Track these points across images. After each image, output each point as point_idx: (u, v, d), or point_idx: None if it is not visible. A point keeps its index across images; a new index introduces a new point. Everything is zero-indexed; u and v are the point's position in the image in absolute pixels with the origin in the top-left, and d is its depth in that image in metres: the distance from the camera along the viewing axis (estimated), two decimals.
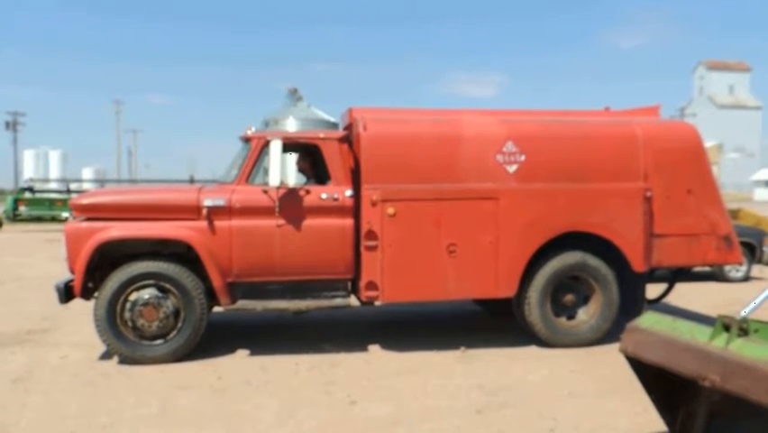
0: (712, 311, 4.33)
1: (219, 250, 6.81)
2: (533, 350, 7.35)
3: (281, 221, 6.90)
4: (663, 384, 4.04)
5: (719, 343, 3.48)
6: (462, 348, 7.32)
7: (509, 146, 7.26)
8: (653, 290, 8.23)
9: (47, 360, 6.96)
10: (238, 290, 6.99)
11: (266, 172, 7.03)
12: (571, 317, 7.50)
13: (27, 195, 29.48)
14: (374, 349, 7.37)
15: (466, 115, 7.68)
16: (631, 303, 7.73)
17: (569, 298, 7.47)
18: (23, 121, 67.03)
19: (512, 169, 7.26)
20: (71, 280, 6.72)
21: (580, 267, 7.37)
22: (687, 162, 7.63)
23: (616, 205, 7.34)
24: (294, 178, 6.84)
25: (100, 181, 56.36)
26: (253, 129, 7.18)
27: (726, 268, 12.82)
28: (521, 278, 7.20)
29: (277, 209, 6.86)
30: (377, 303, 7.28)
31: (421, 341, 7.63)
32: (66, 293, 6.67)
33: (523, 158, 7.28)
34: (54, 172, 69.06)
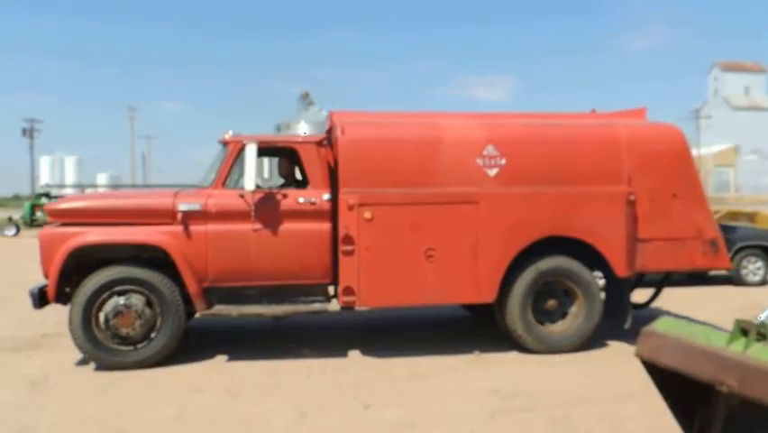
0: (729, 315, 4.23)
1: (195, 255, 6.75)
2: (549, 356, 7.22)
3: (258, 225, 6.83)
4: (680, 389, 3.95)
5: (737, 348, 3.39)
6: (476, 352, 7.27)
7: (490, 150, 7.16)
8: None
9: (63, 364, 6.96)
10: (214, 295, 6.93)
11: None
12: (554, 322, 7.39)
13: (44, 200, 29.86)
14: (386, 353, 7.30)
15: (447, 119, 7.57)
16: (617, 308, 7.64)
17: (551, 303, 7.34)
18: (40, 128, 67.47)
19: (493, 172, 7.16)
20: (46, 286, 6.69)
21: (561, 272, 7.24)
22: (672, 166, 7.49)
23: (598, 209, 7.22)
24: (253, 183, 6.75)
25: (115, 186, 56.83)
26: (231, 133, 7.12)
27: (743, 272, 12.72)
28: (501, 283, 7.11)
29: (253, 214, 6.80)
30: (357, 308, 7.21)
31: (433, 345, 7.56)
32: (40, 298, 6.65)
33: (504, 161, 7.17)
34: (70, 178, 69.64)
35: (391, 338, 8.05)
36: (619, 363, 6.72)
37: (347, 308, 7.13)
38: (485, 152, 7.15)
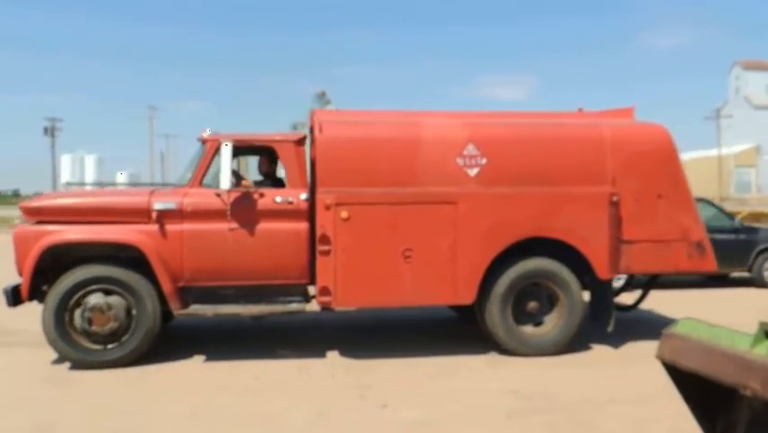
0: (751, 318, 4.14)
1: (170, 254, 6.69)
2: (568, 357, 7.16)
3: (234, 224, 6.76)
4: (702, 392, 3.86)
5: (761, 350, 3.30)
6: (492, 353, 7.18)
7: (470, 149, 7.05)
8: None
9: None
10: (191, 294, 6.86)
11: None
12: (536, 324, 7.27)
13: None
14: (405, 353, 7.23)
15: (428, 118, 7.47)
16: (601, 310, 7.52)
17: (532, 305, 7.21)
18: (61, 126, 67.93)
19: (473, 172, 7.05)
20: (20, 284, 6.66)
21: (542, 274, 7.12)
22: (657, 166, 7.34)
23: (580, 210, 7.08)
24: (228, 181, 6.71)
25: (134, 185, 57.39)
26: (209, 131, 7.07)
27: (766, 274, 12.49)
28: (480, 284, 7.00)
29: (229, 213, 6.74)
30: (336, 309, 7.15)
31: (452, 345, 7.47)
32: (14, 297, 6.63)
33: (484, 161, 7.06)
34: (90, 176, 70.31)
35: (409, 338, 8.04)
36: (641, 365, 6.51)
37: (326, 308, 7.08)
38: (465, 152, 7.04)
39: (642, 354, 6.99)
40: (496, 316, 7.03)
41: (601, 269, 7.12)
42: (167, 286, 6.66)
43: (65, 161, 76.46)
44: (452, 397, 5.80)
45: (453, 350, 7.30)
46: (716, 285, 12.54)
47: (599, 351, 7.44)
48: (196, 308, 6.82)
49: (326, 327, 8.65)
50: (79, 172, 75.23)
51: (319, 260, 6.80)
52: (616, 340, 7.56)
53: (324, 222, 6.77)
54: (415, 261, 6.85)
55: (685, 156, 27.60)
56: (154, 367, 6.71)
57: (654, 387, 5.46)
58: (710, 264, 7.51)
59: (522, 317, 7.20)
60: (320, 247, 6.76)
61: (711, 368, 3.49)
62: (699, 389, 3.82)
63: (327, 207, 6.74)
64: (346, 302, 6.94)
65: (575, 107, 8.22)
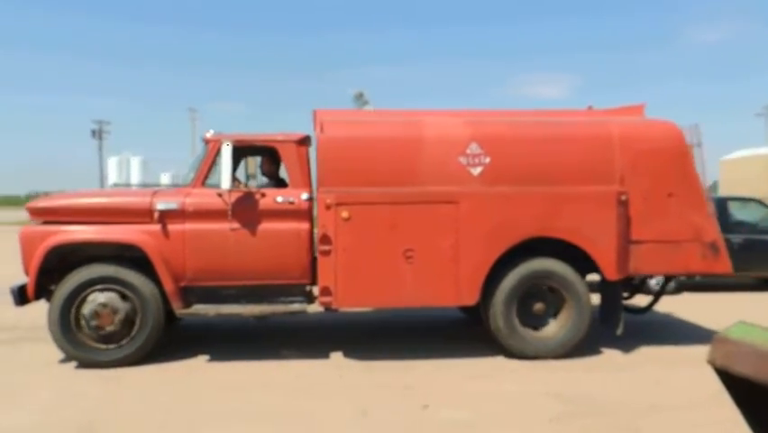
0: None
1: (172, 254, 6.72)
2: (605, 360, 7.06)
3: (235, 225, 6.76)
4: (756, 398, 3.76)
5: None
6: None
7: (473, 148, 6.94)
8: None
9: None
10: (193, 294, 6.88)
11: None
12: (542, 326, 7.13)
13: None
14: (445, 354, 7.20)
15: (431, 117, 7.36)
16: (610, 313, 7.35)
17: (538, 307, 7.07)
18: (108, 129, 69.38)
19: (476, 171, 6.93)
20: (27, 284, 6.71)
21: (547, 275, 6.96)
22: (668, 164, 7.13)
23: (586, 209, 6.92)
24: (229, 182, 6.71)
25: (177, 186, 58.38)
26: (212, 132, 7.08)
27: None
28: (483, 285, 6.87)
29: (230, 213, 6.74)
30: (339, 310, 7.11)
31: (492, 347, 7.28)
32: (20, 296, 6.72)
33: (488, 160, 6.94)
34: (135, 178, 71.20)
35: (448, 340, 7.94)
36: (690, 369, 6.37)
37: (330, 309, 7.04)
38: (468, 151, 6.93)
39: (691, 358, 6.82)
40: (500, 317, 6.91)
41: (609, 270, 6.95)
42: (168, 286, 6.68)
43: (111, 163, 77.59)
44: (493, 398, 5.75)
45: (485, 351, 7.23)
46: (762, 288, 12.15)
47: (636, 354, 7.27)
48: (198, 308, 6.83)
49: (363, 330, 8.59)
50: (125, 174, 76.26)
51: (320, 260, 6.75)
52: (651, 343, 7.47)
53: (324, 222, 6.72)
54: (416, 261, 6.76)
55: (735, 154, 26.87)
56: (200, 364, 6.85)
57: (701, 392, 5.46)
58: (724, 266, 7.26)
59: (528, 318, 7.07)
60: (321, 247, 6.72)
61: (765, 373, 3.37)
62: (752, 395, 3.69)
63: (328, 207, 6.70)
64: (347, 303, 6.88)
65: (616, 105, 7.96)
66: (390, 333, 8.39)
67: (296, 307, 6.91)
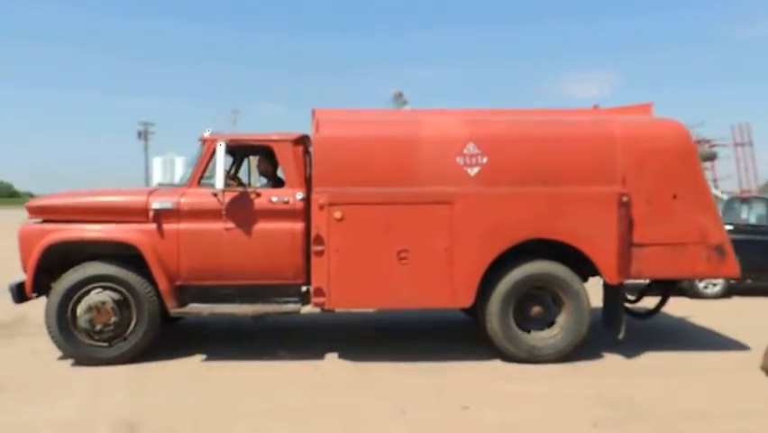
0: None
1: (167, 253, 6.72)
2: (647, 364, 6.90)
3: (230, 224, 6.74)
4: None
5: None
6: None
7: (471, 148, 6.81)
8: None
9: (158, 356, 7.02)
10: (188, 293, 6.89)
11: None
12: (540, 330, 6.96)
13: None
14: (478, 356, 7.09)
15: (428, 116, 7.25)
16: (613, 316, 7.17)
17: (536, 310, 6.91)
18: (153, 130, 70.54)
19: (473, 171, 6.80)
20: (25, 281, 6.78)
21: (545, 277, 6.80)
22: (672, 164, 6.91)
23: (585, 211, 6.73)
24: (222, 181, 6.68)
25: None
26: (209, 131, 7.07)
27: None
28: (478, 287, 6.74)
29: (224, 212, 6.73)
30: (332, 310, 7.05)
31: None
32: (18, 293, 6.79)
33: (485, 160, 6.81)
34: (179, 177, 72.61)
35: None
36: (739, 376, 6.23)
37: (328, 310, 6.99)
38: (465, 151, 6.80)
39: (741, 365, 6.66)
40: (495, 320, 6.77)
41: (609, 273, 6.76)
42: (163, 284, 6.69)
43: (156, 163, 79.10)
44: (531, 401, 5.67)
45: None
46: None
47: (673, 359, 7.10)
48: (192, 307, 6.83)
49: (384, 330, 8.45)
50: (170, 173, 77.50)
51: (313, 260, 6.69)
52: (688, 349, 7.36)
53: (318, 222, 6.66)
54: (410, 262, 6.66)
55: None
56: (225, 363, 6.85)
57: (756, 400, 5.28)
58: (731, 269, 7.01)
59: (526, 322, 6.93)
60: (314, 247, 6.66)
61: None
62: None
63: (321, 207, 6.63)
64: (339, 304, 6.80)
65: (656, 104, 7.67)
66: (412, 333, 8.25)
67: (289, 307, 6.86)
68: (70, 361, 6.83)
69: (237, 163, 7.82)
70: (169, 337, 7.56)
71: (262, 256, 6.76)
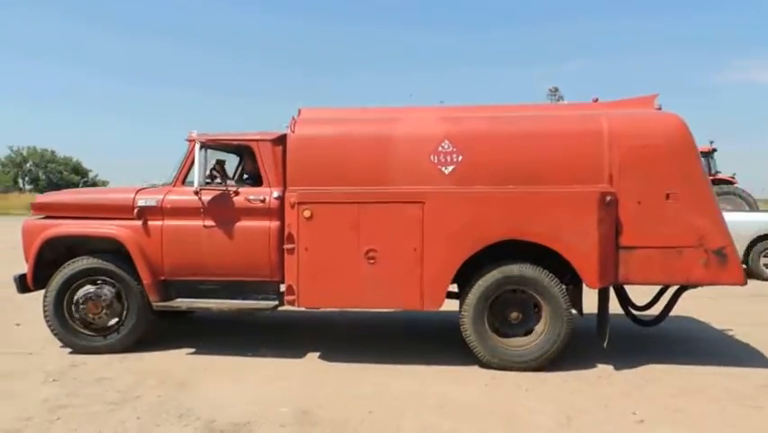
0: None
1: (150, 248, 6.90)
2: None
3: (209, 222, 6.83)
4: None
5: None
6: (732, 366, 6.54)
7: (445, 145, 6.53)
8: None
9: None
10: (173, 288, 7.05)
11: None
12: (517, 336, 6.57)
13: None
14: (646, 362, 6.70)
15: (405, 114, 7.01)
16: (600, 322, 6.67)
17: (514, 315, 6.53)
18: None
19: (448, 170, 6.51)
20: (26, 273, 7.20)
21: (519, 281, 6.38)
22: (666, 162, 6.30)
23: (563, 211, 6.26)
24: (197, 180, 6.78)
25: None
26: (195, 132, 7.20)
27: None
28: (447, 290, 6.47)
29: (204, 210, 6.84)
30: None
31: (703, 358, 6.85)
32: (21, 284, 7.21)
33: (460, 158, 6.50)
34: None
35: (657, 349, 7.33)
36: None
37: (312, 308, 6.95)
38: (440, 149, 6.52)
39: None
40: (469, 324, 6.44)
41: (589, 277, 6.27)
42: (146, 278, 6.87)
43: None
44: (717, 419, 5.16)
45: (703, 362, 6.73)
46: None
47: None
48: (174, 302, 6.98)
49: None
50: None
51: (286, 258, 6.65)
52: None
53: (290, 221, 6.61)
54: (379, 263, 6.46)
55: None
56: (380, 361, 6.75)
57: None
58: (733, 276, 6.30)
59: (505, 327, 6.57)
60: (286, 246, 6.61)
61: None
62: None
63: (292, 206, 6.58)
64: (308, 302, 6.70)
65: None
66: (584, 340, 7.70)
67: (264, 304, 6.87)
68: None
69: (241, 162, 7.93)
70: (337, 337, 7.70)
71: (239, 253, 6.80)
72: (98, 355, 6.89)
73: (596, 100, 7.18)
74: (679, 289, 6.98)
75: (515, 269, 6.40)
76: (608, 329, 6.49)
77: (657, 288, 7.30)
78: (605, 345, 6.49)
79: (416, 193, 6.44)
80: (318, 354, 6.92)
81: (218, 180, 7.05)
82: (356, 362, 6.64)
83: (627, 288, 7.41)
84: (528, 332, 6.53)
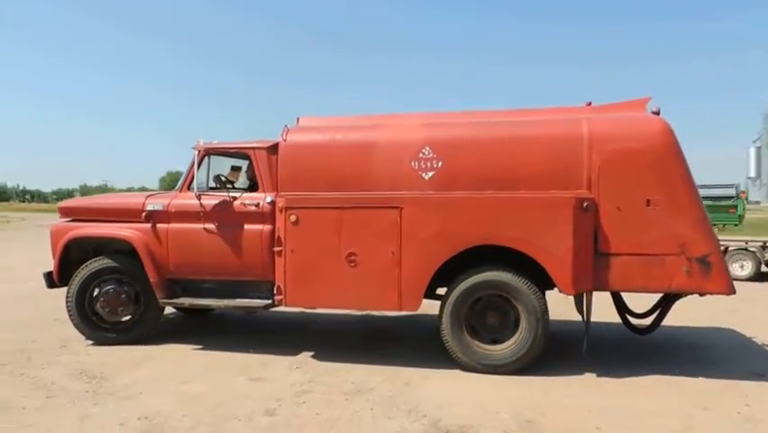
0: None
1: (157, 249, 7.28)
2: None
3: (209, 225, 7.14)
4: None
5: None
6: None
7: (426, 152, 6.53)
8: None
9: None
10: (178, 286, 7.41)
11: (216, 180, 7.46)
12: (497, 341, 6.45)
13: None
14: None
15: (389, 120, 7.05)
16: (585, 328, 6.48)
17: (493, 320, 6.44)
18: None
19: (428, 176, 6.52)
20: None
21: (495, 285, 6.27)
22: (646, 167, 6.04)
23: (538, 217, 6.11)
24: (199, 185, 7.20)
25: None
26: (202, 141, 7.53)
27: None
28: (423, 292, 6.44)
29: (203, 214, 7.17)
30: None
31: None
32: (48, 280, 7.76)
33: (440, 164, 6.50)
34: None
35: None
36: None
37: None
38: (421, 155, 6.54)
39: None
40: (447, 328, 6.41)
41: (563, 283, 6.09)
42: (153, 276, 7.26)
43: None
44: None
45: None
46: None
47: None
48: (177, 299, 7.35)
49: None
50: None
51: (276, 260, 6.87)
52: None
53: (279, 224, 6.82)
54: (359, 265, 6.53)
55: None
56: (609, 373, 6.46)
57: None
58: (717, 285, 5.95)
59: (485, 331, 6.50)
60: (275, 248, 6.83)
61: None
62: None
63: (281, 211, 6.79)
64: (294, 302, 6.85)
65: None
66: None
67: (257, 303, 7.10)
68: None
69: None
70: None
71: (235, 254, 7.07)
72: (330, 349, 7.24)
73: (589, 104, 6.96)
74: (671, 296, 6.69)
75: (490, 273, 6.32)
76: (585, 335, 6.31)
77: (657, 296, 7.00)
78: (583, 350, 6.30)
79: (393, 198, 6.48)
80: (544, 364, 6.48)
81: (217, 186, 7.34)
82: (576, 375, 6.35)
83: (626, 296, 7.17)
84: (506, 336, 6.42)
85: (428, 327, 8.05)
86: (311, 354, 7.03)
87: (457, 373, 6.38)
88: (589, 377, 6.27)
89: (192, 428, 4.86)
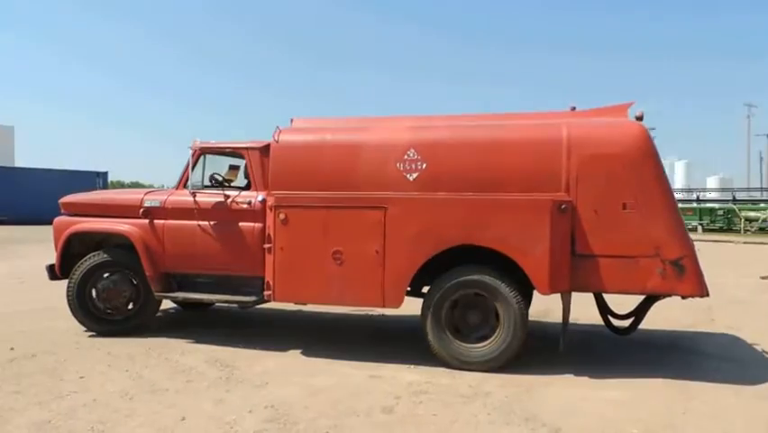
0: None
1: (154, 243, 7.47)
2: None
3: (202, 222, 7.34)
4: None
5: None
6: None
7: (411, 154, 6.67)
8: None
9: None
10: (174, 280, 7.60)
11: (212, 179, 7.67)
12: (479, 339, 6.58)
13: None
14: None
15: (377, 123, 7.20)
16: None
17: (473, 318, 6.55)
18: (654, 134, 70.64)
19: (412, 177, 6.66)
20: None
21: (474, 285, 6.39)
22: (624, 171, 6.12)
23: (516, 218, 6.21)
24: (193, 183, 7.43)
25: (726, 190, 55.97)
26: (198, 141, 7.73)
27: None
28: (406, 290, 6.59)
29: (198, 211, 7.37)
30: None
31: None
32: (51, 272, 7.98)
33: (424, 166, 6.63)
34: (679, 182, 70.01)
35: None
36: None
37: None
38: (406, 157, 6.68)
39: None
40: (428, 325, 6.54)
41: (540, 283, 6.18)
42: (149, 270, 7.45)
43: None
44: None
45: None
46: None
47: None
48: (171, 293, 7.55)
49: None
50: (671, 177, 76.98)
51: (266, 257, 7.04)
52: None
53: (269, 222, 6.99)
54: (344, 263, 6.66)
55: None
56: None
57: None
58: (690, 287, 6.03)
59: (467, 330, 6.61)
60: (265, 245, 7.00)
61: None
62: None
63: (271, 209, 6.96)
64: (282, 297, 7.00)
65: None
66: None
67: (248, 298, 7.26)
68: None
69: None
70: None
71: (228, 250, 7.25)
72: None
73: (573, 109, 7.07)
74: (649, 298, 6.78)
75: (469, 273, 6.45)
76: (563, 334, 6.41)
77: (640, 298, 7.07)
78: (560, 349, 6.41)
79: (378, 198, 6.62)
80: (668, 379, 6.26)
81: (212, 184, 7.54)
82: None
83: (607, 297, 7.26)
84: (486, 334, 6.54)
85: (550, 332, 7.96)
86: (425, 355, 6.77)
87: (582, 380, 6.21)
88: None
89: (314, 419, 4.99)
